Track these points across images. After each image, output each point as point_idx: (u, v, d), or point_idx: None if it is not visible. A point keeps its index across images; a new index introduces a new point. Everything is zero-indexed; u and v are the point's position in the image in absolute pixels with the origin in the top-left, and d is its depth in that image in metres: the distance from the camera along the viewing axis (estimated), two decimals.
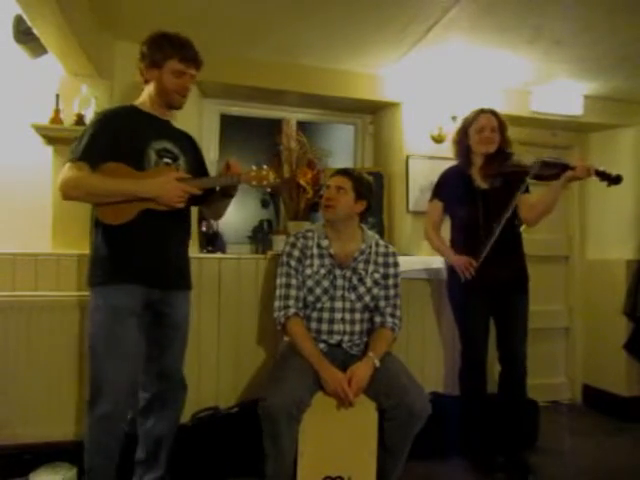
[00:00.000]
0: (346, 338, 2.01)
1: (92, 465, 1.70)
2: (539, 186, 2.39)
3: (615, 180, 2.21)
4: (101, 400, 1.67)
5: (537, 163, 2.28)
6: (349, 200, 2.02)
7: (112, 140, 1.70)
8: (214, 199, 1.98)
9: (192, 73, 1.83)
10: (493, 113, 2.40)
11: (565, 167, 2.24)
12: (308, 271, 2.03)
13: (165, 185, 1.70)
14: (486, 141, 2.36)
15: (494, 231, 2.25)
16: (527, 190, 2.37)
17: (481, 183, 2.38)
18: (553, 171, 2.27)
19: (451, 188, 2.44)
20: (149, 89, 1.83)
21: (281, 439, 1.74)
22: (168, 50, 1.77)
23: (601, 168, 2.22)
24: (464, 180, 2.40)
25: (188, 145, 1.93)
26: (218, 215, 2.13)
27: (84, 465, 1.71)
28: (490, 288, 2.31)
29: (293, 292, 2.00)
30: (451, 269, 2.42)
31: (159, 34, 1.80)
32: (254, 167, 1.89)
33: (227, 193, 1.95)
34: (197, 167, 1.93)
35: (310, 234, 2.09)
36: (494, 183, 2.36)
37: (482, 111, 2.41)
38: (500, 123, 2.38)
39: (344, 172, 2.09)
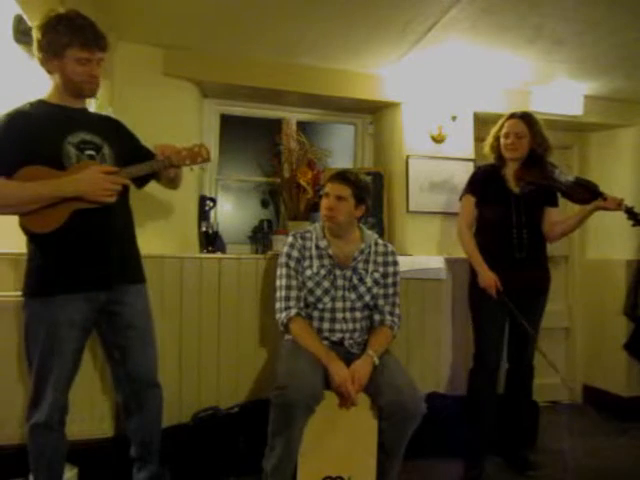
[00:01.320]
0: (347, 336, 2.03)
1: (35, 470, 1.70)
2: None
3: None
4: (37, 409, 1.64)
5: (570, 182, 2.30)
6: (350, 207, 2.01)
7: (22, 143, 1.56)
8: (163, 178, 1.87)
9: (99, 57, 1.65)
10: (523, 117, 2.35)
11: (596, 194, 2.26)
12: (308, 272, 2.03)
13: (88, 180, 1.57)
14: (509, 147, 2.34)
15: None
16: (556, 204, 2.41)
17: (514, 187, 2.37)
18: (584, 195, 2.28)
19: (485, 185, 2.41)
20: (55, 80, 1.66)
21: (294, 429, 1.74)
22: (66, 37, 1.57)
23: (630, 205, 2.24)
24: (498, 180, 2.39)
25: (112, 130, 1.78)
26: (174, 187, 1.98)
27: (30, 469, 1.72)
28: (516, 290, 2.26)
29: (294, 293, 2.00)
30: (475, 272, 2.36)
31: (52, 17, 1.59)
32: (184, 146, 1.77)
33: (174, 166, 1.80)
34: (128, 150, 1.78)
35: (308, 234, 2.09)
36: (524, 189, 2.35)
37: (511, 116, 2.38)
38: (530, 129, 2.33)
39: (343, 178, 2.03)
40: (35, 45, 1.63)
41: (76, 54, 1.60)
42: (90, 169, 1.60)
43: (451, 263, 2.76)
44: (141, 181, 1.88)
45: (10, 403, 2.09)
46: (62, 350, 1.63)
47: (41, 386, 1.64)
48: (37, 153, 1.59)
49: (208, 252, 2.65)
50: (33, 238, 1.64)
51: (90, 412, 2.18)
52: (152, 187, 1.97)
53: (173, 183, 1.94)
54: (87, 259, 1.65)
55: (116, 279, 1.72)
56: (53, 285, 1.62)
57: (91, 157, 1.66)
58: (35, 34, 1.62)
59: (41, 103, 1.69)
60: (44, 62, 1.64)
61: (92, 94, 1.72)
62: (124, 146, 1.78)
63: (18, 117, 1.62)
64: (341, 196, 2.00)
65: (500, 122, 2.42)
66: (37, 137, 1.60)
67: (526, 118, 2.35)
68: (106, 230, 1.69)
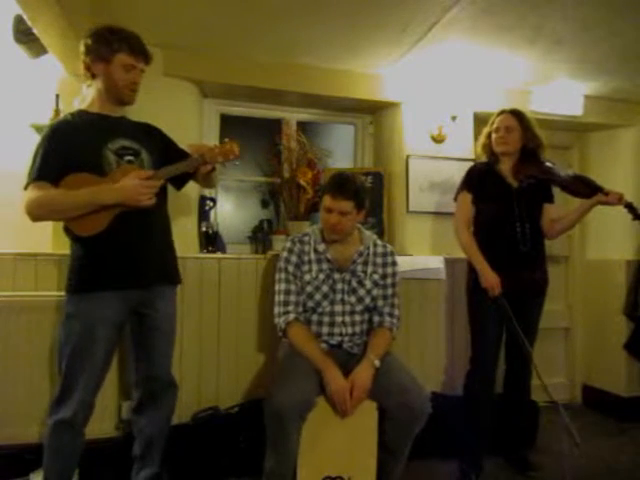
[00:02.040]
0: (347, 339, 2.02)
1: (48, 466, 1.71)
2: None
3: None
4: (63, 406, 1.67)
5: (570, 176, 2.32)
6: (353, 219, 2.00)
7: (66, 151, 1.66)
8: (199, 176, 1.93)
9: (142, 67, 1.78)
10: (512, 112, 2.37)
11: (596, 189, 2.27)
12: (307, 277, 2.02)
13: (127, 188, 1.65)
14: (500, 141, 2.35)
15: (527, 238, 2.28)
16: (552, 200, 2.41)
17: (512, 181, 2.36)
18: (584, 190, 2.30)
19: (481, 181, 2.39)
20: (97, 86, 1.76)
21: (286, 437, 1.74)
22: (116, 43, 1.71)
23: (630, 201, 2.25)
24: (495, 176, 2.38)
25: (149, 136, 1.87)
26: (210, 186, 2.15)
27: (42, 465, 1.73)
28: (516, 291, 2.26)
29: (293, 298, 1.99)
30: (475, 272, 2.33)
31: (105, 28, 1.73)
32: (216, 144, 1.86)
33: (208, 163, 1.86)
34: (165, 155, 1.85)
35: (307, 238, 2.08)
36: (524, 183, 2.35)
37: (501, 112, 2.40)
38: (521, 123, 2.34)
39: (344, 193, 1.94)
40: (83, 50, 1.72)
41: (124, 60, 1.72)
42: (127, 177, 1.67)
43: (450, 263, 2.76)
44: (179, 182, 1.97)
45: (16, 403, 2.10)
46: (95, 347, 1.68)
47: (71, 384, 1.67)
48: (79, 160, 1.67)
49: (208, 252, 2.65)
50: (77, 240, 1.71)
51: None
52: None
53: (209, 181, 2.03)
54: (128, 259, 1.73)
55: (154, 279, 1.79)
56: (94, 282, 1.69)
57: (130, 162, 1.75)
58: (85, 40, 1.72)
59: (82, 113, 1.78)
60: (90, 65, 1.73)
61: (131, 101, 1.81)
62: (161, 150, 1.87)
63: (61, 127, 1.72)
64: (344, 211, 1.96)
65: (491, 120, 2.44)
66: (79, 145, 1.69)
67: (515, 113, 2.37)
68: (146, 232, 1.77)
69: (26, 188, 1.67)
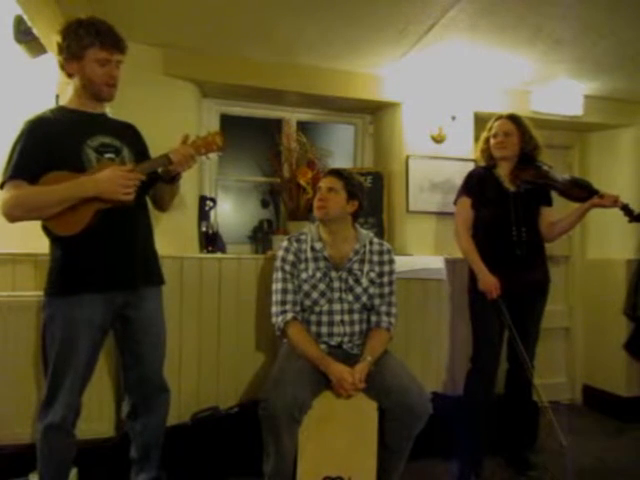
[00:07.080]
0: (346, 339, 2.02)
1: (43, 470, 1.69)
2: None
3: (637, 218, 2.26)
4: (52, 409, 1.64)
5: (566, 180, 2.34)
6: (340, 200, 2.02)
7: (44, 148, 1.60)
8: (157, 188, 1.87)
9: (118, 59, 1.70)
10: (510, 117, 2.40)
11: (593, 192, 2.29)
12: (304, 275, 2.02)
13: (106, 179, 1.58)
14: (498, 145, 2.38)
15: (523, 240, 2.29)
16: (550, 203, 2.43)
17: (509, 186, 2.38)
18: (581, 194, 2.32)
19: (480, 186, 2.41)
20: (75, 84, 1.71)
21: (281, 440, 1.74)
22: (86, 38, 1.63)
23: (626, 202, 2.27)
24: (493, 180, 2.40)
25: (130, 135, 1.83)
26: (165, 204, 1.92)
27: (37, 469, 1.72)
28: (516, 292, 2.27)
29: (290, 297, 1.99)
30: (474, 274, 2.35)
31: (73, 22, 1.65)
32: (199, 135, 1.82)
33: (170, 179, 1.79)
34: (144, 158, 1.81)
35: (304, 237, 2.09)
36: (521, 188, 2.37)
37: (499, 117, 2.43)
38: (518, 127, 2.37)
39: (335, 173, 2.08)
40: (55, 49, 1.67)
41: (96, 55, 1.65)
42: (108, 169, 1.61)
43: (451, 263, 2.76)
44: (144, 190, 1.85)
45: (16, 403, 2.11)
46: (79, 350, 1.64)
47: (57, 386, 1.65)
48: (58, 158, 1.61)
49: (208, 252, 2.65)
50: (56, 240, 1.65)
51: (90, 412, 2.18)
52: None
53: (165, 198, 1.90)
54: (111, 259, 1.68)
55: (139, 280, 1.74)
56: (76, 284, 1.64)
57: (111, 160, 1.69)
58: (56, 39, 1.66)
59: (61, 109, 1.73)
60: (64, 65, 1.70)
61: (110, 97, 1.75)
62: (143, 152, 1.83)
63: (39, 123, 1.65)
64: (332, 187, 2.02)
65: (488, 126, 2.46)
66: (57, 142, 1.63)
67: (513, 117, 2.40)
68: (128, 231, 1.72)
69: (2, 187, 1.59)
